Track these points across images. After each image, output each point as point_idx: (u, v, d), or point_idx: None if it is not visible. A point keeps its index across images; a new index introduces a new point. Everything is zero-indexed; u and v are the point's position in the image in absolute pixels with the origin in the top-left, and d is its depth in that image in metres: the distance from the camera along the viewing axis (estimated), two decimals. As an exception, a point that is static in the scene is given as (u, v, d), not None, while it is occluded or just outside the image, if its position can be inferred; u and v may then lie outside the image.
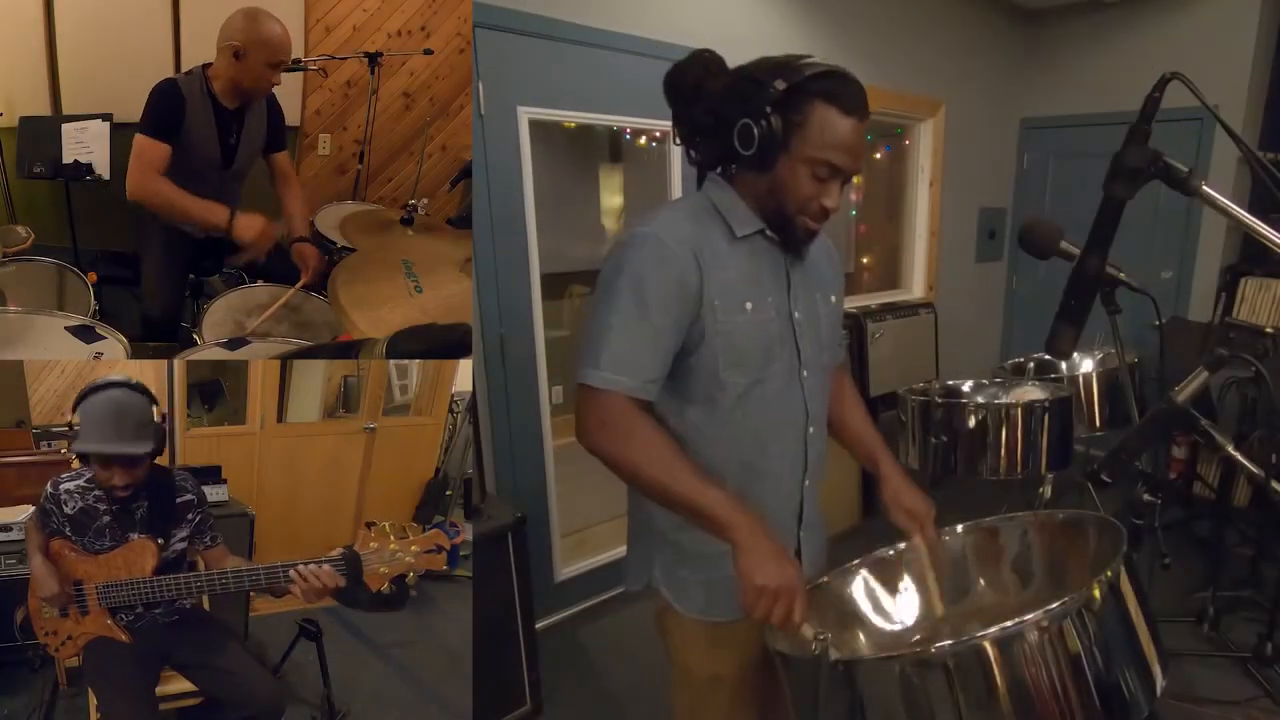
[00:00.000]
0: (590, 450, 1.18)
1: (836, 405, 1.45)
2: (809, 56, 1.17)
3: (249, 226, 2.19)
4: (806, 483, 1.34)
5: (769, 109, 1.13)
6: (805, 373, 1.29)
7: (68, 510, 1.64)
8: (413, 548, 1.55)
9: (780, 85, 1.12)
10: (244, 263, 2.41)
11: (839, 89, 1.14)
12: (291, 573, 1.52)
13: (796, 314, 1.28)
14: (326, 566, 1.51)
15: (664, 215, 1.23)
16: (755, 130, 1.14)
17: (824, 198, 1.18)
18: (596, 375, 1.15)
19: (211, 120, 2.25)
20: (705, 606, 1.31)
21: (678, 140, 1.29)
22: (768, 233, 1.24)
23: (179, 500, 1.72)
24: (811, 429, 1.32)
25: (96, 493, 1.65)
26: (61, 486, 1.65)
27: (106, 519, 1.65)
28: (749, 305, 1.21)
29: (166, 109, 2.16)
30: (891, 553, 1.41)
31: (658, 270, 1.16)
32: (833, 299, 1.38)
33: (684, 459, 1.15)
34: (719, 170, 1.28)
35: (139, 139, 2.15)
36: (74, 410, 1.59)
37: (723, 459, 1.25)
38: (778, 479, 1.31)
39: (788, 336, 1.27)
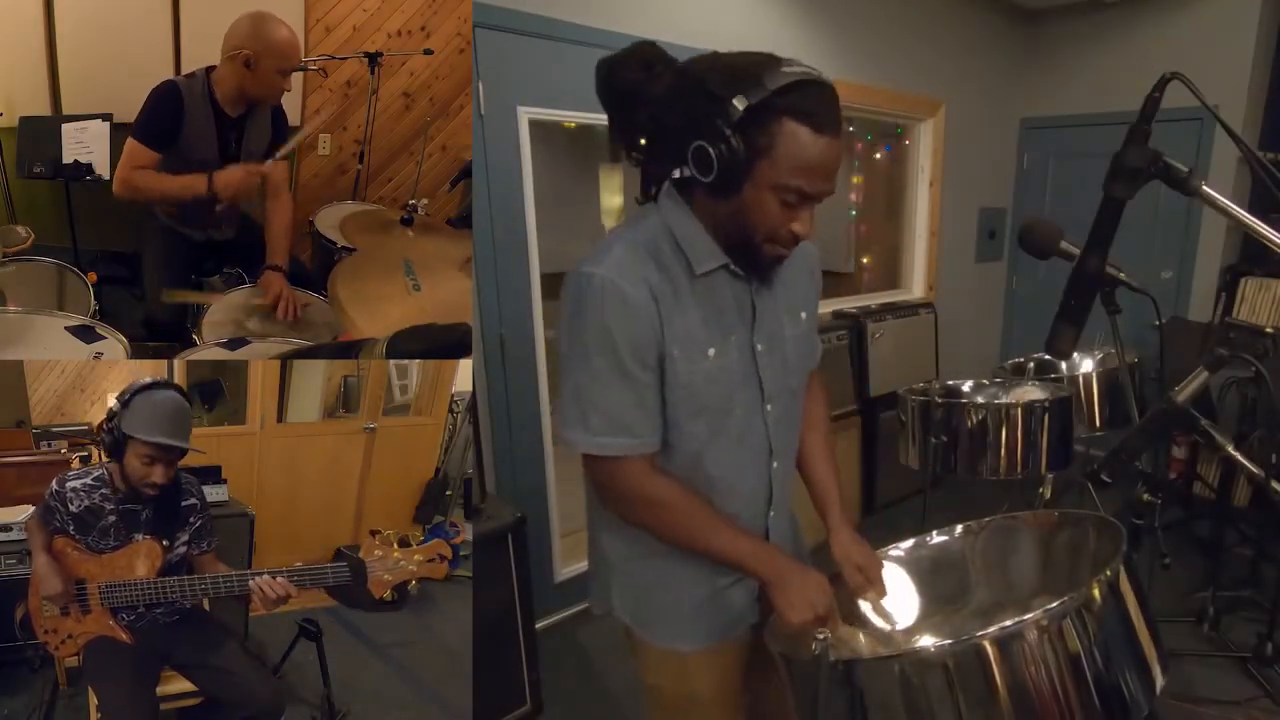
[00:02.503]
0: (625, 520, 1.20)
1: (802, 430, 1.36)
2: (771, 58, 1.00)
3: (228, 183, 2.20)
4: (772, 514, 1.29)
5: (729, 131, 0.97)
6: (769, 406, 1.21)
7: (73, 508, 1.64)
8: (416, 557, 1.56)
9: (740, 104, 0.96)
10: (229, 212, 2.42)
11: (811, 103, 0.98)
12: (250, 583, 1.55)
13: (759, 346, 1.18)
14: (281, 578, 1.54)
15: (618, 252, 1.08)
16: (713, 154, 0.98)
17: (795, 224, 1.06)
18: (591, 441, 1.11)
19: (211, 126, 2.23)
20: (670, 637, 1.28)
21: (614, 140, 1.13)
22: (731, 267, 1.13)
23: (183, 503, 1.73)
24: (776, 463, 1.26)
25: (103, 491, 1.65)
26: (68, 484, 1.65)
27: (112, 519, 1.65)
28: (711, 351, 1.12)
29: (161, 115, 2.15)
30: (892, 553, 1.41)
31: (623, 321, 1.05)
32: (803, 315, 1.27)
33: (709, 514, 1.16)
34: (673, 179, 1.13)
35: (129, 142, 2.16)
36: (125, 401, 1.60)
37: None
38: (741, 518, 1.24)
39: (750, 372, 1.18)
